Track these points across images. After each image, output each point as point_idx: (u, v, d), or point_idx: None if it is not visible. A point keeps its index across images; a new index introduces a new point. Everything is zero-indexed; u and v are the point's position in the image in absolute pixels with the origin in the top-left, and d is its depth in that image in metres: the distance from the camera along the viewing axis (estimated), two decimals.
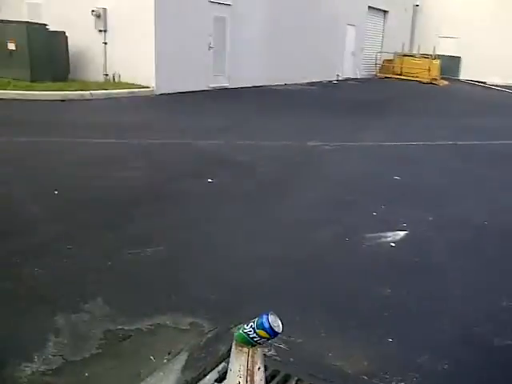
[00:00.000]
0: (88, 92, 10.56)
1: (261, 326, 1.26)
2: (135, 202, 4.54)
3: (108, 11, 12.40)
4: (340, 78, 20.85)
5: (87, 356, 2.27)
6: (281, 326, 1.31)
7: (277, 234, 3.97)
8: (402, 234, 4.05)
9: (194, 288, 3.00)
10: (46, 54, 11.46)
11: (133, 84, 12.02)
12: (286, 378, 1.93)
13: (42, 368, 2.16)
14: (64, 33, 12.13)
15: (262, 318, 1.26)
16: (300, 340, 2.44)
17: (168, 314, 2.65)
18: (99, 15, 12.39)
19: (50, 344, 2.33)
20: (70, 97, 10.20)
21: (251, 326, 1.27)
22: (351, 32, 21.55)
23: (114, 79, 12.48)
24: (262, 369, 1.35)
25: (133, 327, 2.52)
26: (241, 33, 14.66)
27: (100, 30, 12.50)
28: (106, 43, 12.53)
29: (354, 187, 5.50)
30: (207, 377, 1.96)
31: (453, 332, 2.67)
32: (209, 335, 2.45)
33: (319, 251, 3.71)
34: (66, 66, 12.23)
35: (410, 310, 2.89)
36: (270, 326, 1.25)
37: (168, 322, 2.59)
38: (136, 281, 3.09)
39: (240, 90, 14.21)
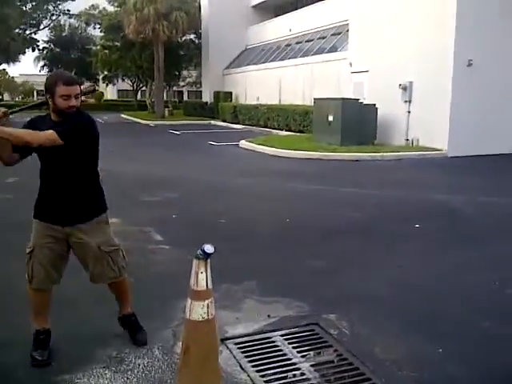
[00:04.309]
0: (379, 154, 12.25)
1: (201, 248, 2.56)
2: (336, 231, 5.89)
3: (414, 84, 13.93)
4: None
5: None
6: (211, 251, 2.54)
7: None
8: None
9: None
10: (356, 123, 13.74)
11: (428, 147, 13.08)
12: None
13: None
14: (374, 105, 14.28)
15: (204, 245, 2.55)
16: None
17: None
18: (405, 88, 14.04)
19: None
20: (363, 158, 12.10)
21: (200, 248, 2.58)
22: None
23: (412, 143, 13.81)
24: (205, 273, 2.62)
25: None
26: None
27: (405, 101, 14.12)
28: (409, 112, 14.06)
29: None
30: None
31: None
32: None
33: None
34: (373, 133, 14.27)
35: None
36: (203, 249, 2.54)
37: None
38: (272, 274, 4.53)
39: None
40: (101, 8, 42.53)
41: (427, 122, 13.35)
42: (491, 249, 5.39)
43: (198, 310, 2.63)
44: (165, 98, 35.87)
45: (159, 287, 4.14)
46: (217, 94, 29.57)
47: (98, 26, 40.47)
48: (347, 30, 18.10)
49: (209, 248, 2.54)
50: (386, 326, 3.56)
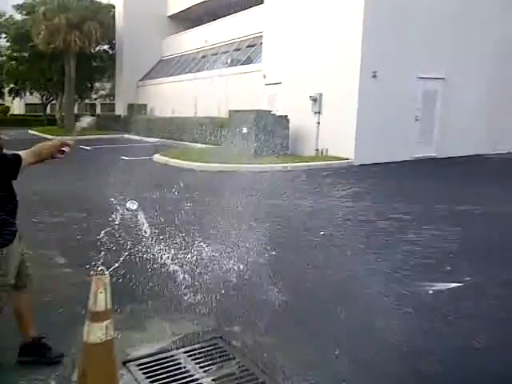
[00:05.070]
0: (288, 165, 12.62)
1: (125, 207, 2.60)
2: None
3: (323, 96, 14.51)
4: None
5: None
6: (134, 207, 2.58)
7: None
8: None
9: None
10: (269, 134, 14.08)
11: (336, 157, 13.67)
12: None
13: None
14: (286, 116, 14.72)
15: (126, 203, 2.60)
16: None
17: None
18: (315, 99, 14.60)
19: None
20: (274, 169, 12.35)
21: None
22: None
23: (322, 153, 14.36)
24: (104, 294, 2.59)
25: None
26: (454, 103, 14.91)
27: (315, 112, 14.68)
28: (318, 123, 14.62)
29: None
30: None
31: None
32: None
33: None
34: (286, 144, 14.68)
35: None
36: (127, 207, 2.57)
37: None
38: None
39: (448, 160, 14.34)
40: (7, 16, 40.22)
41: (335, 133, 13.95)
42: (389, 251, 5.75)
43: (96, 332, 2.58)
44: (76, 111, 34.62)
45: (58, 314, 4.00)
46: (131, 107, 29.04)
47: (5, 36, 38.22)
48: (261, 42, 18.48)
49: (132, 203, 2.55)
50: (286, 333, 3.70)
